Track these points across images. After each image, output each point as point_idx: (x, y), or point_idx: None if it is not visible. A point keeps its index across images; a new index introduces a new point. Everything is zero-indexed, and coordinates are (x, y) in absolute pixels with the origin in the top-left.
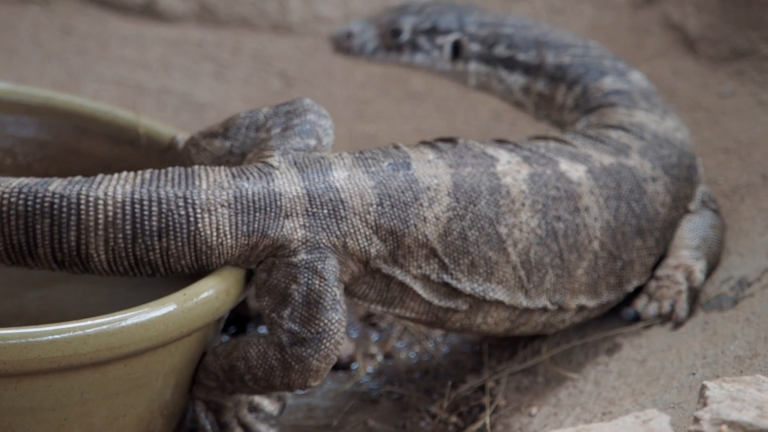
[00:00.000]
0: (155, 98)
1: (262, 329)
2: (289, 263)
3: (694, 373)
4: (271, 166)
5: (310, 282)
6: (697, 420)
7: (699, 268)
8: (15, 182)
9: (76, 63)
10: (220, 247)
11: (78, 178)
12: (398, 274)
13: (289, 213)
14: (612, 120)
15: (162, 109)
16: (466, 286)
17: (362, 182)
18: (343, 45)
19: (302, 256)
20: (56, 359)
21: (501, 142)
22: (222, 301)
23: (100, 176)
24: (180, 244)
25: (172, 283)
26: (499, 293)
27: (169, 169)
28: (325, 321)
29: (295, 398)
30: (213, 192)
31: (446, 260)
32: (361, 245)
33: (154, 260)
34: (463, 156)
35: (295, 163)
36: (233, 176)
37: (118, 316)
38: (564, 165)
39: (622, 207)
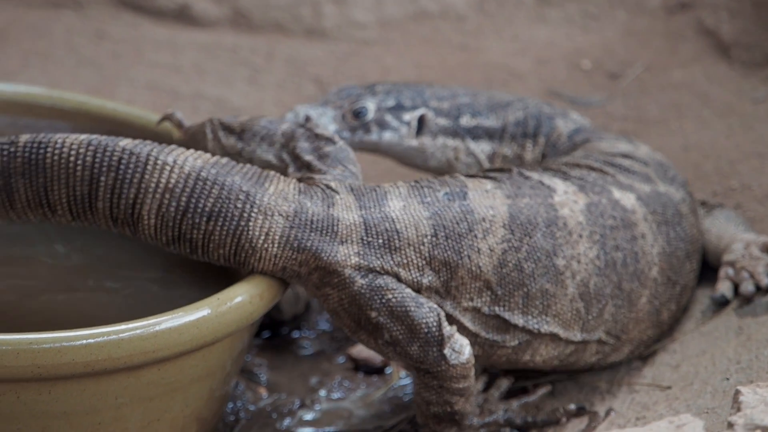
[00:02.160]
0: (189, 103)
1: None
2: (352, 294)
3: (728, 378)
4: (333, 190)
5: (384, 300)
6: (731, 425)
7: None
8: (84, 136)
9: (110, 68)
10: (263, 251)
11: (150, 141)
12: (448, 306)
13: (344, 239)
14: (604, 151)
15: (196, 114)
16: (519, 319)
17: (417, 213)
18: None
19: (360, 281)
20: (90, 363)
21: (550, 169)
22: (256, 305)
23: (174, 146)
24: (224, 233)
25: (203, 289)
26: (554, 326)
27: (247, 165)
28: (422, 321)
29: (329, 403)
30: (276, 200)
31: (500, 292)
32: (414, 276)
33: (196, 240)
34: (521, 186)
35: (352, 191)
36: (299, 192)
37: (152, 320)
38: (617, 193)
39: (671, 232)
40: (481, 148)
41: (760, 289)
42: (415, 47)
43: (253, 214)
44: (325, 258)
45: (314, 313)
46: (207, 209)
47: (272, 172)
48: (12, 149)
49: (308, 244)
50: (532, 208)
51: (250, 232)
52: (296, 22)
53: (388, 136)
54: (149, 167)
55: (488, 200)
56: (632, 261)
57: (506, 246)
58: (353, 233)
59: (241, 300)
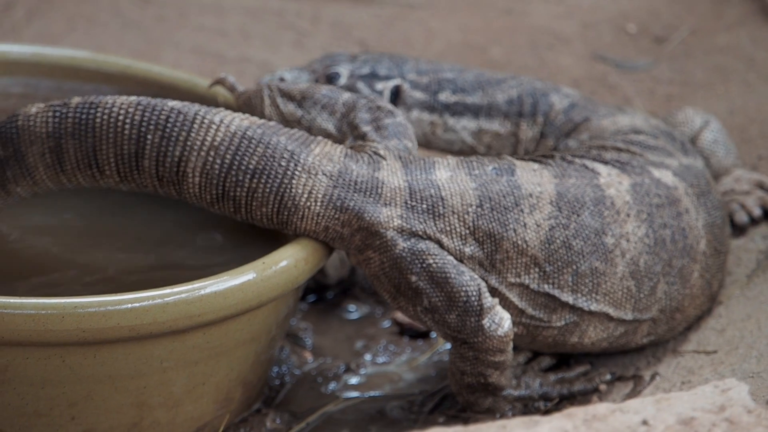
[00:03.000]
0: (235, 67)
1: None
2: (393, 257)
3: None
4: (380, 156)
5: (425, 265)
6: None
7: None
8: (134, 97)
9: (155, 31)
10: (306, 210)
11: (198, 103)
12: (493, 281)
13: (388, 202)
14: (613, 130)
15: (241, 78)
16: (568, 297)
17: (464, 183)
18: None
19: (402, 244)
20: (135, 327)
21: (585, 156)
22: (301, 269)
23: (222, 108)
24: (267, 190)
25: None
26: (604, 305)
27: (294, 129)
28: (461, 288)
29: (374, 367)
30: (321, 160)
31: (548, 269)
32: (456, 244)
33: (239, 198)
34: (566, 169)
35: (400, 158)
36: (345, 155)
37: (197, 284)
38: (656, 172)
39: (708, 202)
40: (463, 125)
41: (753, 221)
42: (461, 11)
43: (296, 173)
44: (368, 218)
45: (359, 277)
46: (251, 167)
47: (320, 137)
48: (64, 110)
49: (351, 204)
50: (578, 188)
51: (293, 190)
52: None
53: None
54: (195, 125)
55: (536, 178)
56: (680, 237)
57: (553, 222)
58: (397, 196)
59: (287, 264)
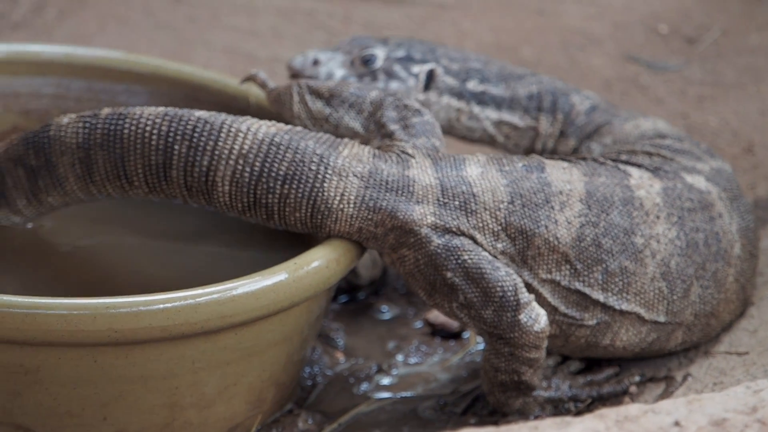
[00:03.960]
0: (266, 67)
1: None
2: (428, 253)
3: None
4: (408, 155)
5: (460, 261)
6: None
7: None
8: (161, 108)
9: (186, 31)
10: (339, 212)
11: (225, 113)
12: (526, 276)
13: (420, 199)
14: (637, 134)
15: (273, 78)
16: (599, 295)
17: (495, 179)
18: (307, 73)
19: (436, 241)
20: (167, 328)
21: (617, 160)
22: (333, 270)
23: (248, 117)
24: (300, 195)
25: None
26: (635, 305)
27: (320, 132)
28: (497, 283)
29: (406, 368)
30: (351, 162)
31: (579, 266)
32: (489, 240)
33: (271, 205)
34: (596, 168)
35: (429, 156)
36: (373, 156)
37: (228, 285)
38: (688, 177)
39: (740, 206)
40: (486, 114)
41: None
42: (492, 11)
43: (327, 176)
44: (401, 217)
45: (391, 278)
46: (281, 173)
47: (347, 139)
48: (93, 121)
49: (384, 204)
50: (608, 187)
51: (326, 193)
52: None
53: (394, 86)
54: (223, 134)
55: (565, 175)
56: (714, 241)
57: (583, 220)
58: (429, 194)
59: (318, 264)
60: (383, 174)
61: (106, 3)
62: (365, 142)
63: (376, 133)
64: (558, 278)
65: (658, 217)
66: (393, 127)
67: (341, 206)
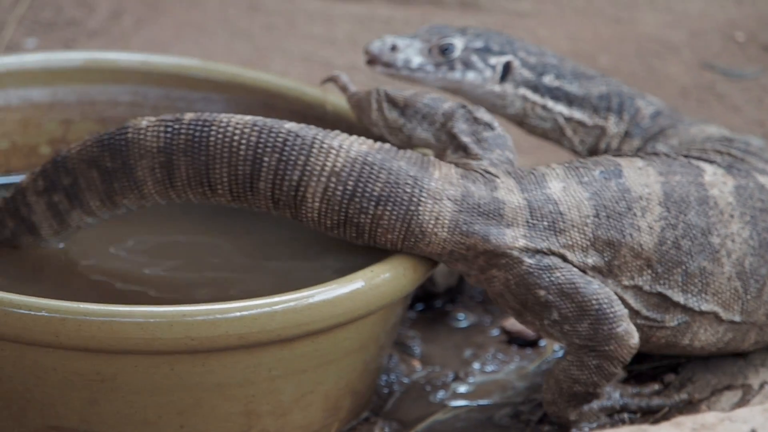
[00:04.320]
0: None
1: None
2: (521, 273)
3: None
4: (492, 174)
5: (552, 279)
6: None
7: None
8: (249, 117)
9: (263, 39)
10: (433, 236)
11: (314, 126)
12: (610, 285)
13: (510, 222)
14: (699, 137)
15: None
16: (679, 297)
17: (578, 194)
18: (384, 58)
19: (528, 261)
20: (244, 336)
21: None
22: (409, 278)
23: (337, 131)
24: (394, 217)
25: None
26: (713, 305)
27: (407, 150)
28: (593, 297)
29: (483, 376)
30: (443, 184)
31: (660, 270)
32: (579, 257)
33: (363, 224)
34: (671, 165)
35: (511, 174)
36: (461, 176)
37: (305, 292)
38: (760, 177)
39: None
40: (559, 110)
41: None
42: (569, 19)
43: (422, 199)
44: (494, 241)
45: (468, 286)
46: (375, 194)
47: (432, 158)
48: (176, 126)
49: (476, 228)
50: (683, 187)
51: (420, 217)
52: None
53: (471, 76)
54: (314, 150)
55: (642, 178)
56: None
57: (664, 224)
58: (519, 216)
59: (395, 273)
60: (475, 197)
61: (183, 11)
62: (438, 152)
63: (448, 143)
64: (640, 283)
65: (732, 216)
66: (465, 139)
67: (435, 230)
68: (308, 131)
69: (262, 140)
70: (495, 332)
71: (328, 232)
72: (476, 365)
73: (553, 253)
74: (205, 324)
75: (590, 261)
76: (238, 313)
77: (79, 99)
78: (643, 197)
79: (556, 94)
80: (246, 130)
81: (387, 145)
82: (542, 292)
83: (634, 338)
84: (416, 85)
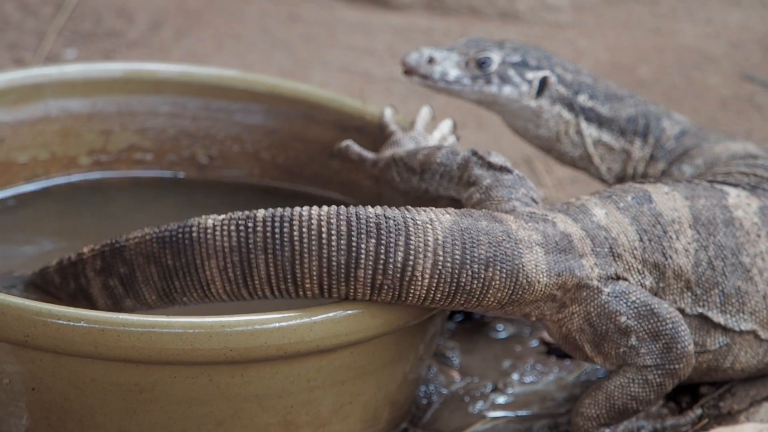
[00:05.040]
0: (382, 86)
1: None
2: (601, 303)
3: None
4: (533, 210)
5: (629, 303)
6: None
7: None
8: (326, 208)
9: (303, 50)
10: (537, 284)
11: (394, 207)
12: None
13: (582, 253)
14: (724, 155)
15: (389, 97)
16: (719, 317)
17: (620, 219)
18: (422, 70)
19: (606, 289)
20: (283, 347)
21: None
22: None
23: (410, 207)
24: (504, 276)
25: None
26: (752, 323)
27: (480, 209)
28: (667, 316)
29: (522, 387)
30: (527, 232)
31: (699, 292)
32: (637, 280)
33: (474, 290)
34: (695, 189)
35: (556, 209)
36: (521, 218)
37: (344, 303)
38: None
39: None
40: (590, 132)
41: None
42: (609, 30)
43: (521, 250)
44: (578, 273)
45: None
46: (483, 257)
47: (492, 211)
48: (250, 224)
49: (564, 265)
50: (709, 210)
51: (525, 268)
52: (490, 4)
53: (507, 90)
54: (411, 228)
55: (671, 202)
56: None
57: (697, 245)
58: (585, 246)
59: None
60: (550, 236)
61: (222, 22)
62: (462, 203)
63: (471, 188)
64: (683, 306)
65: (759, 236)
66: (486, 182)
67: (537, 278)
68: (394, 212)
69: (353, 228)
70: (534, 343)
71: (432, 305)
72: (515, 376)
73: (620, 278)
74: (244, 335)
75: (647, 284)
76: (276, 324)
77: (119, 110)
78: (675, 221)
79: (589, 115)
80: (333, 221)
81: (463, 210)
82: (623, 318)
83: (693, 356)
84: (453, 97)
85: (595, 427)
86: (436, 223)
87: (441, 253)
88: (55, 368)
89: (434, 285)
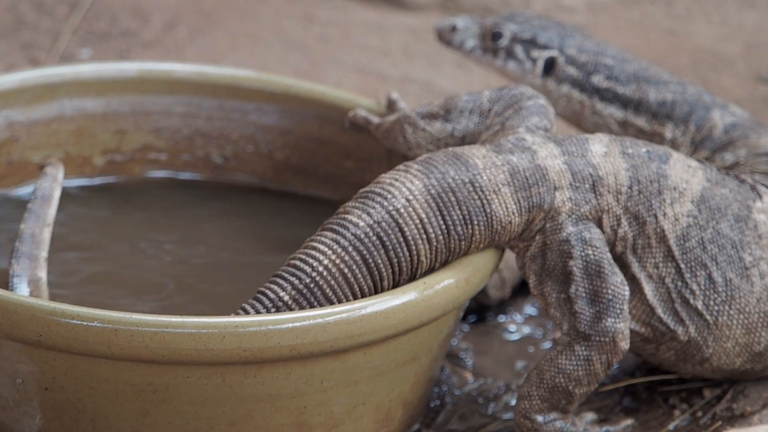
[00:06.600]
0: (397, 86)
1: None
2: (560, 240)
3: None
4: (525, 140)
5: (584, 253)
6: None
7: None
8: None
9: (318, 51)
10: (510, 225)
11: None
12: (635, 266)
13: (557, 186)
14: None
15: (404, 97)
16: (699, 301)
17: (617, 162)
18: (445, 37)
19: (570, 228)
20: (296, 347)
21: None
22: (462, 289)
23: (379, 191)
24: (482, 228)
25: None
26: (737, 322)
27: (440, 152)
28: (612, 287)
29: None
30: (491, 171)
31: (683, 266)
32: (612, 224)
33: (461, 250)
34: (725, 179)
35: (550, 138)
36: (496, 153)
37: (357, 304)
38: None
39: None
40: (609, 112)
41: None
42: (623, 31)
43: (488, 198)
44: (546, 207)
45: (520, 298)
46: (459, 217)
47: (462, 148)
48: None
49: (534, 200)
50: (726, 199)
51: (497, 214)
52: (505, 5)
53: (511, 66)
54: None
55: (686, 175)
56: None
57: (691, 221)
58: (563, 179)
59: (448, 284)
60: (520, 170)
61: (237, 22)
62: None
63: (496, 119)
64: (663, 274)
65: None
66: (507, 112)
67: (509, 219)
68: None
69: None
70: (547, 345)
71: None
72: None
73: (593, 217)
74: (257, 335)
75: (621, 231)
76: (290, 324)
77: (134, 109)
78: (677, 189)
79: (606, 96)
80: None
81: (421, 160)
82: (571, 263)
83: (626, 342)
84: (473, 64)
85: (532, 409)
86: (413, 202)
87: (430, 229)
88: (68, 368)
89: (433, 257)
